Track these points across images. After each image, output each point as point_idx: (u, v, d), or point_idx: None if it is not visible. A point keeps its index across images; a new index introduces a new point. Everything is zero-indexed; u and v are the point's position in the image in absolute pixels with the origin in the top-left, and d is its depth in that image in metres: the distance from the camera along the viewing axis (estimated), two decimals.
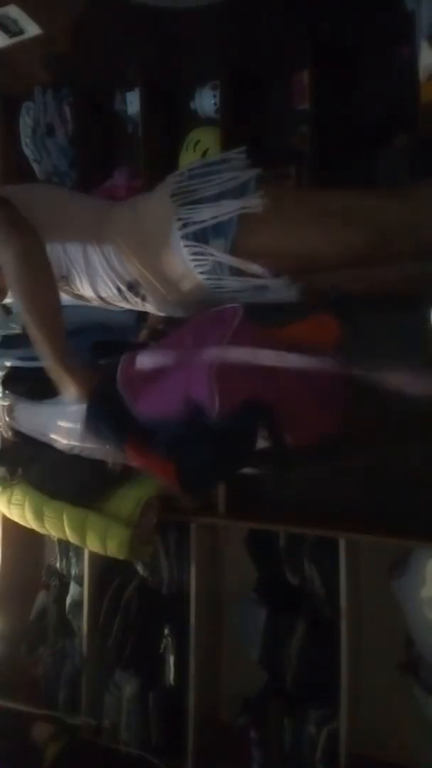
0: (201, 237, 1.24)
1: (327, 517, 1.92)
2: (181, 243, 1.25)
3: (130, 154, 2.47)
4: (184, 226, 1.25)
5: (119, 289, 1.38)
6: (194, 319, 1.35)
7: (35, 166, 2.57)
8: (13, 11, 2.02)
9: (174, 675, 2.25)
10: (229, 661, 2.37)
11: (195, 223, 1.24)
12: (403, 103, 1.83)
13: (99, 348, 1.60)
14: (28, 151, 2.54)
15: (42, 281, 1.22)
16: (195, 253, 1.25)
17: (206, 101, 2.30)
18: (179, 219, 1.25)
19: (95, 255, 1.33)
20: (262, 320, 1.25)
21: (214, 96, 2.27)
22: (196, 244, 1.25)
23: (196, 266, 1.27)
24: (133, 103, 2.41)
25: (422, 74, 1.73)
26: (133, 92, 2.40)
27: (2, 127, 2.59)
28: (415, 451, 1.91)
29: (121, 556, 2.08)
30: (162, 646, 2.27)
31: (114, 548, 2.05)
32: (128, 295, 1.39)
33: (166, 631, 2.26)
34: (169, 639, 2.25)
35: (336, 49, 2.06)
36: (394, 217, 1.23)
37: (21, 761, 2.33)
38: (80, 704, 2.37)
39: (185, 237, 1.25)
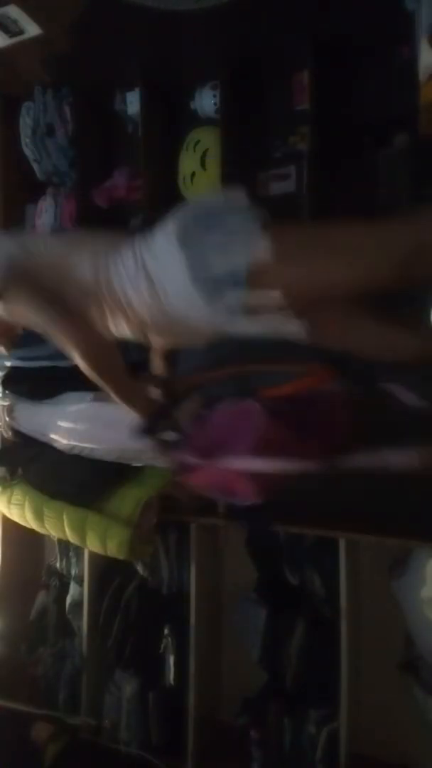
0: (212, 284, 1.26)
1: (327, 517, 1.92)
2: (193, 290, 1.26)
3: (130, 154, 2.47)
4: (195, 274, 1.25)
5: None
6: (218, 416, 1.45)
7: (35, 166, 2.57)
8: (13, 11, 2.02)
9: (174, 675, 2.25)
10: (229, 661, 2.38)
11: (206, 271, 1.25)
12: (403, 103, 1.83)
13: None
14: (28, 151, 2.54)
15: (106, 361, 1.39)
16: (207, 298, 1.27)
17: (206, 101, 2.30)
18: (189, 267, 1.25)
19: (105, 303, 1.37)
20: (265, 383, 1.41)
21: (214, 96, 2.26)
22: (207, 291, 1.26)
23: (208, 310, 1.28)
24: (133, 103, 2.40)
25: (422, 74, 1.72)
26: (133, 92, 2.39)
27: (2, 127, 2.59)
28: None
29: (121, 556, 2.08)
30: (162, 646, 2.27)
31: (114, 548, 2.05)
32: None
33: (166, 631, 2.26)
34: (169, 639, 2.25)
35: (336, 49, 2.06)
36: (410, 241, 1.23)
37: (21, 761, 2.33)
38: (80, 704, 2.37)
39: (196, 283, 1.26)
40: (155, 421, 1.43)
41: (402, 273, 1.23)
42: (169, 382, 1.55)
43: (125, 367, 1.42)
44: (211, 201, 1.41)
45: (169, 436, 1.46)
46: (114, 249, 1.36)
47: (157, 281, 1.30)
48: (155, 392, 1.52)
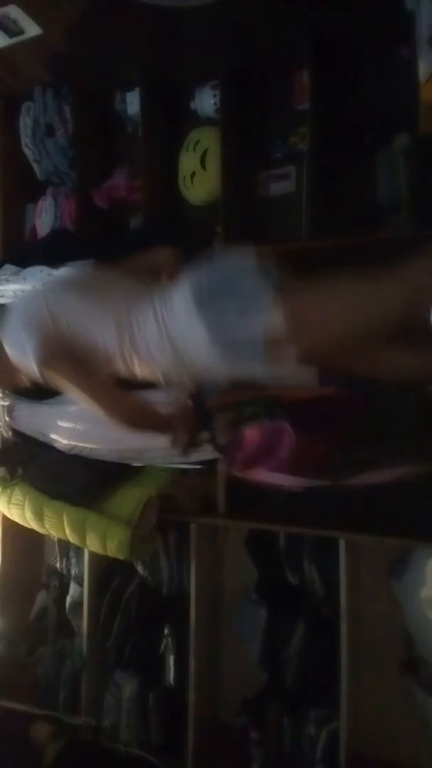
0: (231, 347, 1.35)
1: (327, 517, 1.92)
2: (214, 352, 1.36)
3: (130, 154, 2.47)
4: (215, 339, 1.34)
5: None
6: (252, 434, 1.54)
7: (35, 166, 2.57)
8: (13, 11, 2.02)
9: (174, 675, 2.25)
10: (229, 661, 2.38)
11: (225, 335, 1.34)
12: (403, 103, 1.83)
13: None
14: (28, 151, 2.54)
15: (140, 416, 1.54)
16: (228, 360, 1.37)
17: (206, 101, 2.30)
18: (209, 333, 1.34)
19: (129, 361, 1.47)
20: None
21: (214, 96, 2.27)
22: (227, 354, 1.36)
23: (229, 367, 1.40)
24: (133, 103, 2.41)
25: (422, 74, 1.72)
26: (133, 92, 2.39)
27: (2, 127, 2.59)
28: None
29: (121, 556, 2.08)
30: (162, 646, 2.27)
31: (114, 548, 2.05)
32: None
33: (166, 631, 2.26)
34: (169, 639, 2.25)
35: (336, 49, 2.06)
36: (409, 288, 1.33)
37: (21, 761, 2.33)
38: (80, 704, 2.37)
39: (216, 347, 1.35)
40: (194, 438, 1.57)
41: (407, 315, 1.32)
42: (198, 408, 1.62)
43: (154, 407, 1.55)
44: (223, 262, 1.44)
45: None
46: (134, 311, 1.43)
47: (180, 344, 1.39)
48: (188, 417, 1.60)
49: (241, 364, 1.38)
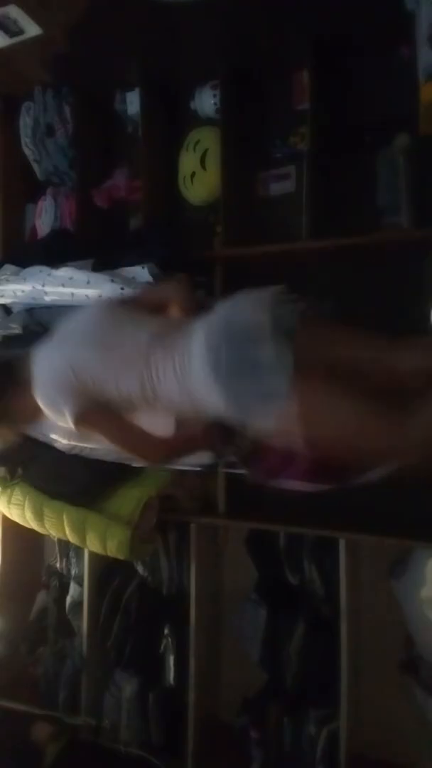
0: (246, 411, 1.43)
1: (327, 517, 1.92)
2: (230, 412, 1.45)
3: (130, 154, 2.47)
4: (231, 408, 1.43)
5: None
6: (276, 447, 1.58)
7: (35, 166, 2.57)
8: (13, 11, 2.02)
9: (174, 675, 2.25)
10: (229, 661, 2.38)
11: (242, 409, 1.43)
12: (403, 103, 1.83)
13: None
14: (28, 151, 2.54)
15: (168, 452, 1.64)
16: (242, 419, 1.46)
17: (206, 101, 2.30)
18: (227, 404, 1.42)
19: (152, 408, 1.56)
20: None
21: (214, 96, 2.27)
22: (241, 415, 1.45)
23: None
24: (133, 103, 2.41)
25: (422, 74, 1.72)
26: (133, 92, 2.39)
27: (2, 127, 2.59)
28: None
29: (121, 556, 2.08)
30: (162, 646, 2.27)
31: (114, 548, 2.05)
32: None
33: (166, 631, 2.26)
34: (169, 639, 2.25)
35: (336, 49, 2.06)
36: None
37: (21, 761, 2.33)
38: (80, 704, 2.37)
39: (231, 410, 1.43)
40: (222, 450, 1.64)
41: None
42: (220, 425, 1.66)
43: (179, 435, 1.61)
44: (239, 317, 1.46)
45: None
46: (154, 365, 1.49)
47: (199, 401, 1.47)
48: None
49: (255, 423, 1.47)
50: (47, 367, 1.58)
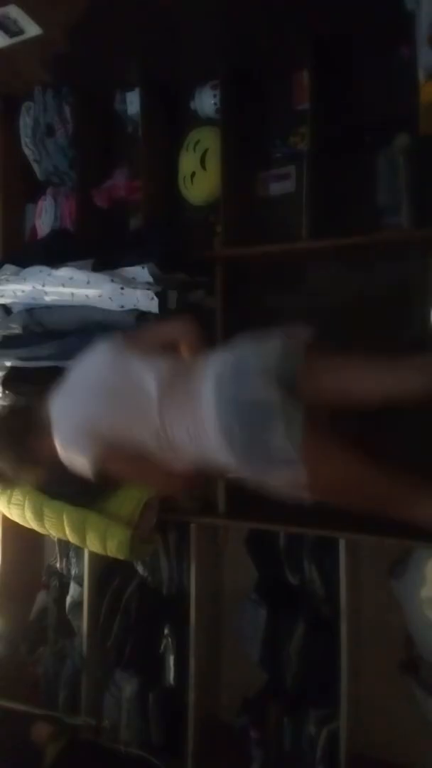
0: (257, 468, 1.54)
1: (327, 517, 1.92)
2: (239, 467, 1.55)
3: (130, 154, 2.47)
4: (242, 467, 1.54)
5: None
6: None
7: (35, 166, 2.57)
8: (13, 11, 2.02)
9: (174, 675, 2.25)
10: (229, 661, 2.38)
11: (253, 469, 1.54)
12: (403, 103, 1.83)
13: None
14: (28, 151, 2.54)
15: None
16: (252, 474, 1.57)
17: (206, 101, 2.30)
18: (238, 464, 1.53)
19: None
20: None
21: (214, 96, 2.26)
22: (251, 472, 1.56)
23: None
24: (133, 103, 2.40)
25: (422, 74, 1.72)
26: (133, 92, 2.39)
27: (2, 127, 2.58)
28: (415, 451, 1.91)
29: (121, 556, 2.08)
30: (162, 646, 2.27)
31: (114, 548, 2.05)
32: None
33: (166, 631, 2.26)
34: (169, 639, 2.25)
35: (336, 49, 2.06)
36: None
37: (21, 761, 2.33)
38: (80, 704, 2.37)
39: (242, 468, 1.55)
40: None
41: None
42: None
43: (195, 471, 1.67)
44: (249, 396, 1.50)
45: None
46: (167, 421, 1.55)
47: (213, 456, 1.55)
48: None
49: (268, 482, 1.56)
50: (64, 419, 1.63)
